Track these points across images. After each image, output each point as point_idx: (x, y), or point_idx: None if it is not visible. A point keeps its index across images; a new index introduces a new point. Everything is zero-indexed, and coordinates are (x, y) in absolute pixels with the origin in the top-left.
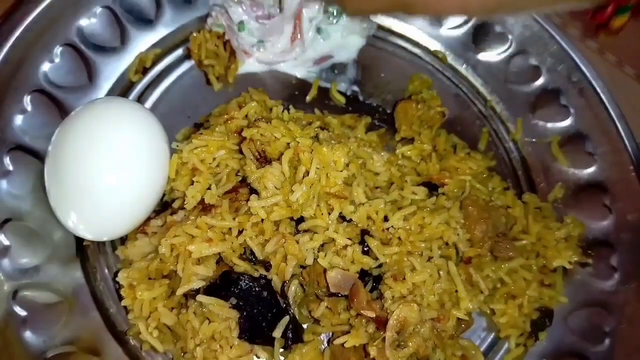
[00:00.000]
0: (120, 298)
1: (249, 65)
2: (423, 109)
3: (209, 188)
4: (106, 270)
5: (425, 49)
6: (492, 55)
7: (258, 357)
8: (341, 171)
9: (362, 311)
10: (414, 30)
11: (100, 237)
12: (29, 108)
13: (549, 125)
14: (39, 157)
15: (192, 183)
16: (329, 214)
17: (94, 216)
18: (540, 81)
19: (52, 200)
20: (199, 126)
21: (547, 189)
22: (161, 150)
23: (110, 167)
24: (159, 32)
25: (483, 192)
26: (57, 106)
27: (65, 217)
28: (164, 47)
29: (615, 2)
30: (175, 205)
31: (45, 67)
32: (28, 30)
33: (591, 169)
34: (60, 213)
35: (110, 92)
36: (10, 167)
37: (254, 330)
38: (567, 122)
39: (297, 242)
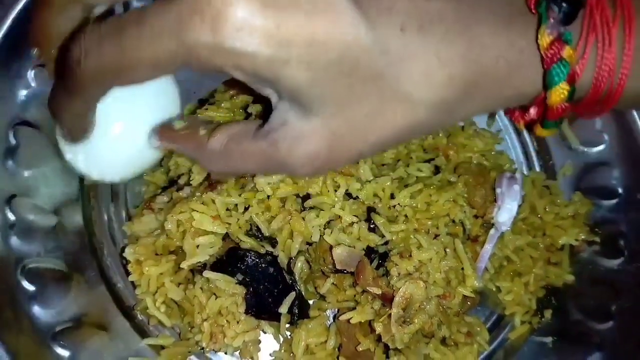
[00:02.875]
0: (128, 273)
1: None
2: None
3: None
4: (113, 246)
5: None
6: None
7: (264, 332)
8: None
9: (368, 288)
10: None
11: (103, 177)
12: (33, 84)
13: None
14: (44, 132)
15: None
16: (335, 191)
17: (101, 157)
18: None
19: (62, 139)
20: (204, 102)
21: (557, 167)
22: (174, 106)
23: (123, 111)
24: None
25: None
26: None
27: (74, 157)
28: None
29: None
30: (181, 181)
31: None
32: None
33: (601, 147)
34: (69, 152)
35: None
36: (13, 142)
37: (261, 306)
38: None
39: (303, 219)
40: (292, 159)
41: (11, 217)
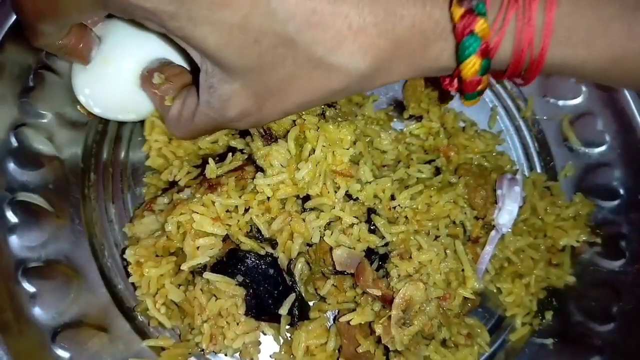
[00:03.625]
0: (128, 275)
1: None
2: (432, 85)
3: (207, 163)
4: (114, 248)
5: None
6: None
7: (264, 334)
8: (348, 149)
9: (368, 289)
10: None
11: (105, 113)
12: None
13: (560, 103)
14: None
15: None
16: (335, 192)
17: (106, 94)
18: None
19: (74, 72)
20: None
21: (558, 168)
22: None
23: (136, 56)
24: None
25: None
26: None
27: (82, 90)
28: None
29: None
30: (181, 182)
31: None
32: None
33: (602, 148)
34: (76, 85)
35: None
36: (15, 144)
37: (261, 307)
38: (578, 100)
39: (304, 220)
40: (228, 117)
41: (13, 219)
